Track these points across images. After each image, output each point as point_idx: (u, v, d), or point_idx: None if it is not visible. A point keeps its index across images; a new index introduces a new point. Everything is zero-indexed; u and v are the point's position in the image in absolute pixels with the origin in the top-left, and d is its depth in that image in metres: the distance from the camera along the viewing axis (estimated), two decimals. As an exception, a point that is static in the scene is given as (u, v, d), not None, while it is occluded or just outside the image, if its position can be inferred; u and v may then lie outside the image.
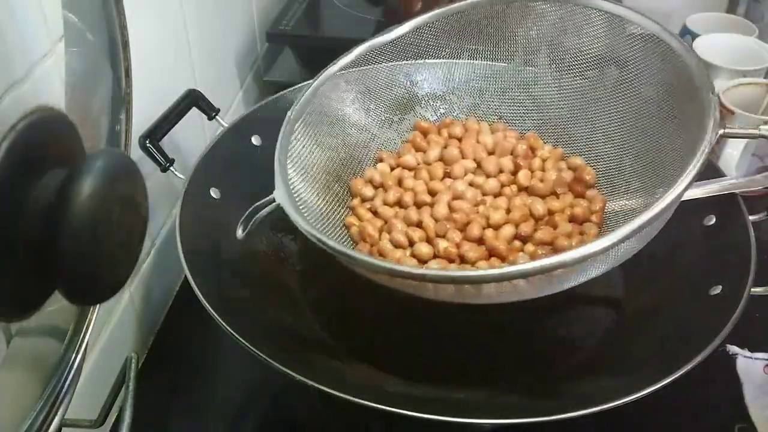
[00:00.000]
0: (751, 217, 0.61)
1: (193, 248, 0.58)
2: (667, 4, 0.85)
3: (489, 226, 0.61)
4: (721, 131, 0.51)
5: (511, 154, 0.68)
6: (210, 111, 0.69)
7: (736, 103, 0.76)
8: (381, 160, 0.69)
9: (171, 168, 0.64)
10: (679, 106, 0.57)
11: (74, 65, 0.34)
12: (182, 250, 0.58)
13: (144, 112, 0.62)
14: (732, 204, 0.61)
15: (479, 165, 0.67)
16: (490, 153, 0.68)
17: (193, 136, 0.74)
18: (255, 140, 0.70)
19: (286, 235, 0.68)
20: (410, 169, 0.68)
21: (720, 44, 0.87)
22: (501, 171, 0.66)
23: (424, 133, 0.71)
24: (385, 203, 0.64)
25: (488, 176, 0.66)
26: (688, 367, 0.49)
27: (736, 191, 0.61)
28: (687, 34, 0.91)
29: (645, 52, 0.60)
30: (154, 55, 0.66)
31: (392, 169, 0.68)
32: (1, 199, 0.27)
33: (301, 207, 0.57)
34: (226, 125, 0.69)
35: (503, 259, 0.58)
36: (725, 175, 0.65)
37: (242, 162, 0.68)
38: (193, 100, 0.68)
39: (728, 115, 0.75)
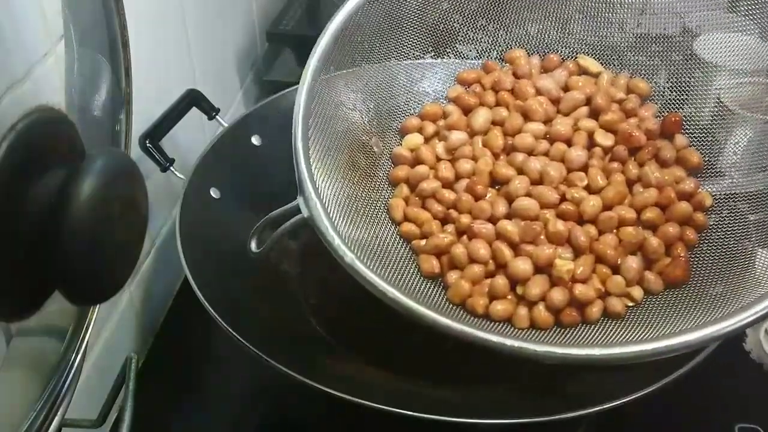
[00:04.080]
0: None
1: (193, 248, 0.58)
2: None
3: (582, 219, 0.51)
4: None
5: (588, 104, 0.55)
6: (210, 111, 0.69)
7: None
8: (413, 129, 0.57)
9: (171, 168, 0.64)
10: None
11: (74, 65, 0.34)
12: (182, 250, 0.58)
13: (144, 112, 0.62)
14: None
15: (546, 124, 0.55)
16: (554, 103, 0.56)
17: (193, 136, 0.74)
18: (255, 140, 0.70)
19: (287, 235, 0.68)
20: (455, 148, 0.55)
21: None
22: (576, 128, 0.54)
23: (467, 86, 0.58)
24: (440, 201, 0.53)
25: (567, 144, 0.53)
26: (688, 367, 0.49)
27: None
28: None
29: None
30: (154, 55, 0.66)
31: (427, 139, 0.56)
32: (2, 199, 0.26)
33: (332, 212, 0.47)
34: (226, 125, 0.69)
35: (615, 268, 0.50)
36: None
37: (242, 162, 0.68)
38: (193, 100, 0.68)
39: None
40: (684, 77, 0.59)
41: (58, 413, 0.34)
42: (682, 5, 0.59)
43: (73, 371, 0.35)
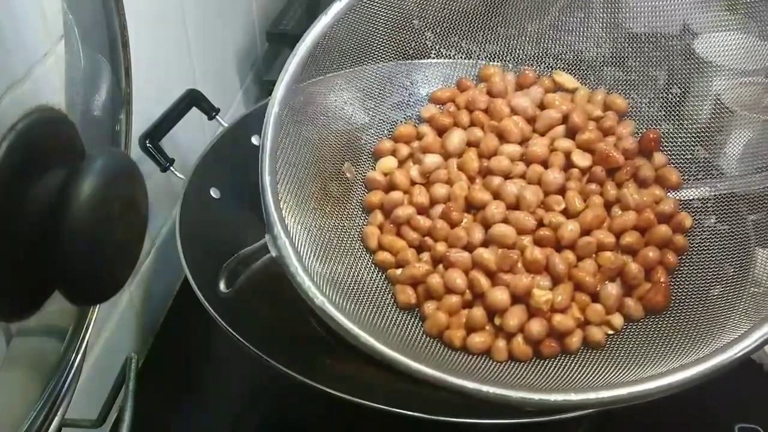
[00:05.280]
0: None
1: (193, 248, 0.58)
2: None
3: (560, 245, 0.50)
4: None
5: (564, 122, 0.54)
6: (210, 111, 0.69)
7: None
8: (386, 152, 0.56)
9: (171, 168, 0.64)
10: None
11: (74, 65, 0.34)
12: (182, 250, 0.58)
13: (144, 112, 0.62)
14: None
15: (522, 144, 0.53)
16: (530, 122, 0.55)
17: (193, 136, 0.74)
18: (255, 140, 0.70)
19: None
20: (430, 172, 0.54)
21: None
22: (553, 148, 0.53)
23: (441, 105, 0.57)
24: (415, 228, 0.51)
25: (543, 165, 0.52)
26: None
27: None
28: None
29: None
30: (154, 55, 0.66)
31: (401, 162, 0.55)
32: (2, 199, 0.26)
33: (300, 244, 0.45)
34: (226, 125, 0.69)
35: (594, 295, 0.49)
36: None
37: (242, 162, 0.68)
38: (193, 100, 0.68)
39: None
40: (666, 92, 0.58)
41: (58, 413, 0.34)
42: (679, 8, 0.58)
43: (73, 371, 0.35)
